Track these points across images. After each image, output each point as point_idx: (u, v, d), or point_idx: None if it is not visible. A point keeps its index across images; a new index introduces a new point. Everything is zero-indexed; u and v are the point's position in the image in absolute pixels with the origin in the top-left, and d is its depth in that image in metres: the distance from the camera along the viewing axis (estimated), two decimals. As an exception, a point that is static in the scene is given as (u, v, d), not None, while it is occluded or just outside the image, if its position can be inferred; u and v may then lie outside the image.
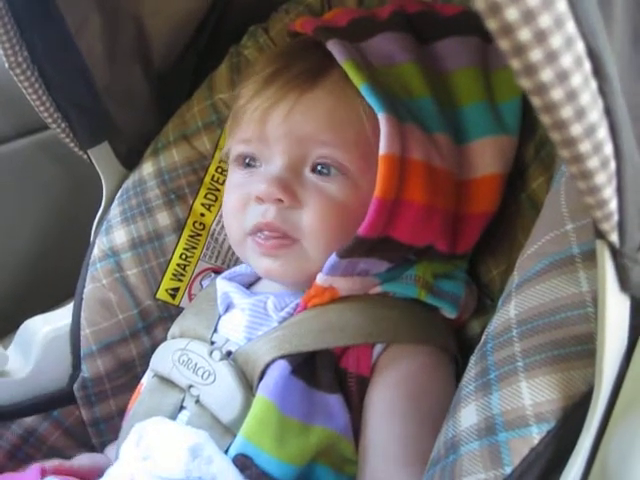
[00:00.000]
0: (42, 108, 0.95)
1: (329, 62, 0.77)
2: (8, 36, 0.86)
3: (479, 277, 0.87)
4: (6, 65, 0.90)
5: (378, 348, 0.76)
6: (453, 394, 0.68)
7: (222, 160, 1.01)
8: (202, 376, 0.77)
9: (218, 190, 1.01)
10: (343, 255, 0.74)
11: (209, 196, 1.02)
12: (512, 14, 0.32)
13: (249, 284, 0.89)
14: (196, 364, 0.78)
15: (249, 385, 0.75)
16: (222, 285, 0.87)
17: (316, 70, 0.79)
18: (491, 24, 0.33)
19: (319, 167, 0.78)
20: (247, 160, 0.83)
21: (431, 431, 0.65)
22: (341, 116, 0.78)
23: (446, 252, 0.79)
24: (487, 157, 0.78)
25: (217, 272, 0.99)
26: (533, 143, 0.81)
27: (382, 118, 0.72)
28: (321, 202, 0.77)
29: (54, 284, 0.97)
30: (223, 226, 0.99)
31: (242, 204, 0.81)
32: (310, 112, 0.78)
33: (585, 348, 0.50)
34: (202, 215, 1.01)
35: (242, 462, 0.70)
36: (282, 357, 0.74)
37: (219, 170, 1.02)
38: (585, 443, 0.47)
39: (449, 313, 0.80)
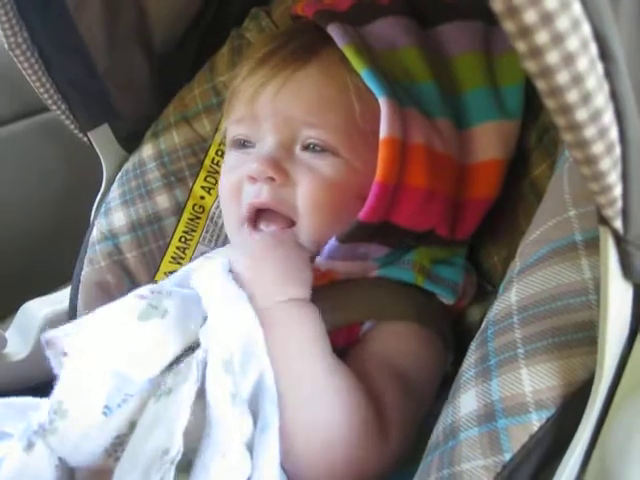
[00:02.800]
0: (42, 89, 0.94)
1: (323, 41, 0.77)
2: (8, 17, 0.86)
3: (480, 263, 0.87)
4: (6, 46, 0.89)
5: (366, 326, 0.76)
6: (437, 373, 0.69)
7: (222, 143, 1.00)
8: None
9: (218, 173, 1.01)
10: (343, 240, 0.74)
11: (209, 179, 1.01)
12: None
13: None
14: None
15: None
16: None
17: (309, 48, 0.79)
18: (497, 6, 0.32)
19: (310, 146, 0.78)
20: (241, 141, 0.83)
21: (410, 397, 0.68)
22: (330, 97, 0.77)
23: (446, 237, 0.79)
24: (488, 142, 0.78)
25: (216, 255, 0.99)
26: (536, 129, 0.81)
27: (383, 102, 0.72)
28: (312, 179, 0.77)
29: (53, 267, 0.97)
30: (222, 209, 0.99)
31: (236, 187, 0.81)
32: (299, 92, 0.78)
33: (586, 335, 0.50)
34: (202, 198, 1.01)
35: None
36: None
37: (219, 153, 1.01)
38: (585, 430, 0.47)
39: (446, 299, 0.80)
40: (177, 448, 0.58)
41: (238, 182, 0.81)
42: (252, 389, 0.63)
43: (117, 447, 0.63)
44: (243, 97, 0.81)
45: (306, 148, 0.78)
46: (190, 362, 0.64)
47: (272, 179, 0.77)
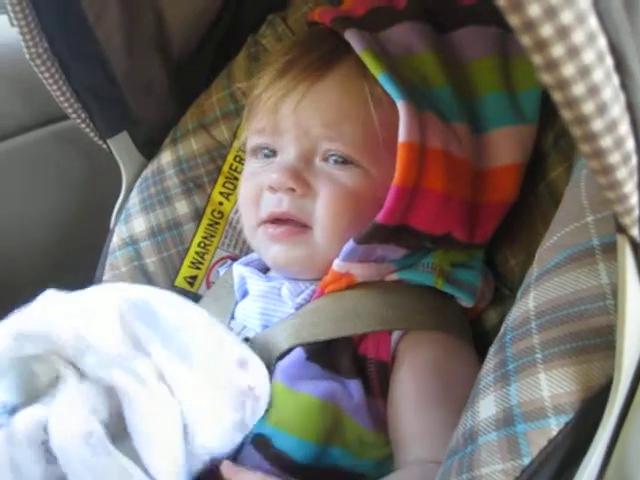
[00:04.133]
0: (62, 98, 0.96)
1: (341, 50, 0.78)
2: (29, 28, 0.87)
3: (496, 267, 0.87)
4: (27, 56, 0.91)
5: (396, 334, 0.76)
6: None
7: (240, 149, 1.01)
8: None
9: (236, 179, 1.02)
10: (360, 241, 0.75)
11: (227, 185, 1.02)
12: (534, 10, 0.32)
13: (265, 269, 0.90)
14: None
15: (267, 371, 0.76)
16: (239, 270, 0.88)
17: (328, 58, 0.80)
18: (513, 20, 0.33)
19: (331, 158, 0.79)
20: (263, 151, 0.84)
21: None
22: (348, 109, 0.78)
23: (464, 241, 0.79)
24: (505, 146, 0.78)
25: (235, 260, 0.99)
26: (552, 132, 0.81)
27: (401, 106, 0.72)
28: (333, 190, 0.78)
29: (73, 272, 0.98)
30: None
31: (256, 194, 0.82)
32: (318, 105, 0.79)
33: (604, 340, 0.50)
34: (220, 204, 1.02)
35: (261, 443, 0.71)
36: (299, 345, 0.75)
37: (237, 159, 1.03)
38: (603, 435, 0.47)
39: (466, 302, 0.80)
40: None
41: (258, 190, 0.82)
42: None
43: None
44: (264, 108, 0.82)
45: (326, 159, 0.79)
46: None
47: (293, 190, 0.78)
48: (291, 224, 0.80)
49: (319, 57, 0.80)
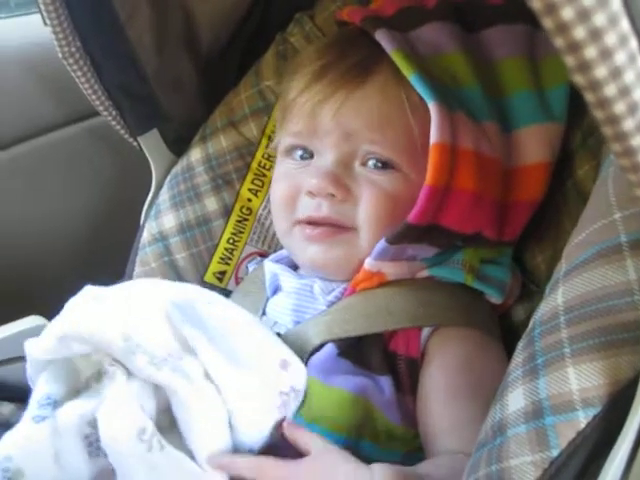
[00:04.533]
0: (94, 96, 0.97)
1: (378, 55, 0.78)
2: (62, 27, 0.89)
3: (524, 263, 0.88)
4: (59, 55, 0.92)
5: (426, 331, 0.77)
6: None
7: (269, 146, 1.02)
8: None
9: (265, 175, 1.03)
10: (392, 241, 0.76)
11: (256, 182, 1.03)
12: (567, 13, 0.33)
13: (296, 266, 0.91)
14: None
15: None
16: (270, 267, 0.89)
17: (366, 64, 0.80)
18: (547, 23, 0.34)
19: (371, 162, 0.79)
20: (298, 151, 0.84)
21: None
22: (389, 113, 0.79)
23: (493, 239, 0.80)
24: (534, 145, 0.79)
25: (263, 256, 1.01)
26: (580, 130, 0.82)
27: (432, 107, 0.73)
28: (374, 195, 0.78)
29: (104, 267, 0.99)
30: (270, 211, 1.01)
31: (292, 195, 0.83)
32: (359, 109, 0.79)
33: (632, 335, 0.50)
34: (249, 200, 1.03)
35: None
36: (330, 341, 0.76)
37: (265, 156, 1.04)
38: (631, 427, 0.48)
39: (495, 298, 0.81)
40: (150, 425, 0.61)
41: (294, 191, 0.83)
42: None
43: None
44: (302, 111, 0.82)
45: (365, 164, 0.80)
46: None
47: (332, 195, 0.79)
48: (329, 225, 0.80)
49: (356, 63, 0.80)
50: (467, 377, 0.74)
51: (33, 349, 0.67)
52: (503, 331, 0.82)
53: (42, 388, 0.67)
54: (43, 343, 0.66)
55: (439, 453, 0.71)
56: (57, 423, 0.64)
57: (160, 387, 0.63)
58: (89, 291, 0.69)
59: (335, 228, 0.80)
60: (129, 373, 0.64)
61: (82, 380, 0.68)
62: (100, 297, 0.68)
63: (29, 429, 0.64)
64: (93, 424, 0.63)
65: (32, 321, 0.93)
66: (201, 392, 0.62)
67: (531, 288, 0.85)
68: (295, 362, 0.71)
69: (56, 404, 0.65)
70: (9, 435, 0.65)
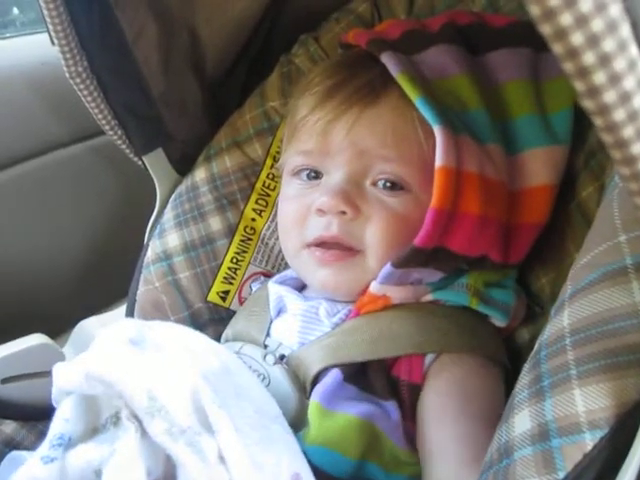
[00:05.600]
0: (100, 116, 0.98)
1: (387, 76, 0.78)
2: (69, 47, 0.89)
3: (528, 285, 0.87)
4: (67, 75, 0.93)
5: (430, 357, 0.77)
6: (501, 401, 0.70)
7: (273, 166, 1.03)
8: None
9: (269, 196, 1.03)
10: (398, 265, 0.76)
11: (260, 202, 1.04)
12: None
13: (300, 288, 0.91)
14: (250, 367, 0.80)
15: (303, 388, 0.77)
16: (275, 289, 0.89)
17: (378, 84, 0.80)
18: (545, 29, 0.34)
19: (382, 182, 0.80)
20: (308, 172, 0.84)
21: (484, 431, 0.66)
22: (402, 132, 0.79)
23: (499, 262, 0.80)
24: (538, 168, 0.79)
25: (267, 276, 1.01)
26: (583, 152, 0.82)
27: (437, 130, 0.73)
28: (385, 215, 0.79)
29: (107, 285, 1.00)
30: (273, 231, 1.02)
31: (301, 216, 0.83)
32: (373, 127, 0.79)
33: (638, 357, 0.50)
34: (253, 220, 1.03)
35: None
36: (335, 365, 0.76)
37: (270, 176, 1.04)
38: (638, 449, 0.48)
39: (499, 321, 0.81)
40: None
41: (303, 211, 0.83)
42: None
43: None
44: (313, 129, 0.82)
45: (375, 184, 0.80)
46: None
47: (343, 213, 0.79)
48: (339, 248, 0.80)
49: (367, 82, 0.81)
50: (457, 399, 0.74)
51: (59, 378, 0.66)
52: (507, 353, 0.82)
53: (58, 424, 0.66)
54: (69, 375, 0.64)
55: (431, 471, 0.71)
56: (65, 466, 0.62)
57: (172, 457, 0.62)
58: (127, 330, 0.68)
59: (345, 251, 0.80)
60: (143, 430, 0.62)
61: (101, 419, 0.66)
62: (136, 342, 0.67)
63: (36, 470, 0.63)
64: (99, 473, 0.61)
65: (35, 339, 0.93)
66: (211, 473, 0.61)
67: (536, 310, 0.85)
68: (307, 478, 0.67)
69: (70, 443, 0.64)
70: (16, 475, 0.63)
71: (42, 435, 0.66)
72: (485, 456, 0.60)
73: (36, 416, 0.94)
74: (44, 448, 0.64)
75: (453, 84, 0.79)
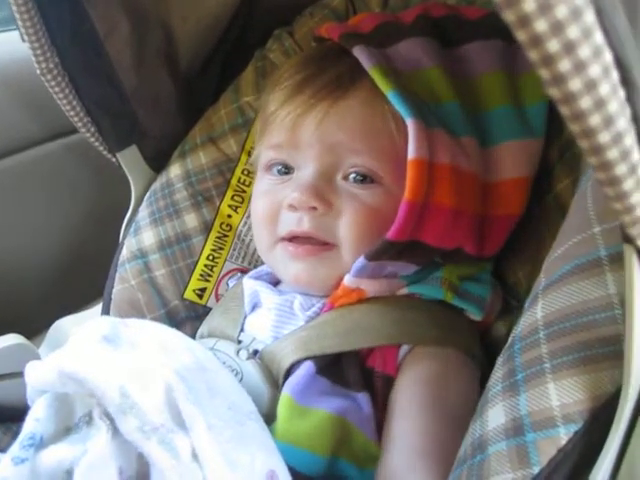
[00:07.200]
0: (72, 113, 0.97)
1: (360, 69, 0.78)
2: (40, 43, 0.88)
3: (504, 278, 0.87)
4: (37, 71, 0.91)
5: (404, 349, 0.76)
6: (474, 396, 0.69)
7: (248, 162, 1.02)
8: None
9: (244, 192, 1.03)
10: (371, 258, 0.75)
11: (236, 198, 1.03)
12: (541, 25, 0.33)
13: (275, 282, 0.90)
14: (224, 363, 0.79)
15: (275, 383, 0.76)
16: (250, 284, 0.88)
17: (348, 77, 0.80)
18: (520, 35, 0.33)
19: (353, 175, 0.79)
20: (277, 167, 0.84)
21: (451, 426, 0.67)
22: (373, 125, 0.78)
23: (474, 255, 0.80)
24: (512, 160, 0.79)
25: (244, 272, 1.00)
26: (558, 145, 0.82)
27: (410, 123, 0.73)
28: (356, 209, 0.78)
29: (83, 285, 0.99)
30: (250, 227, 1.01)
31: (273, 212, 0.82)
32: (343, 120, 0.79)
33: (612, 349, 0.50)
34: (229, 216, 1.03)
35: None
36: (307, 358, 0.76)
37: (245, 172, 1.03)
38: (613, 443, 0.48)
39: (475, 315, 0.81)
40: None
41: (275, 207, 0.82)
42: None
43: None
44: (282, 124, 0.82)
45: (346, 177, 0.79)
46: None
47: (314, 208, 0.78)
48: (312, 242, 0.80)
49: (337, 77, 0.80)
50: (427, 392, 0.74)
51: (31, 376, 0.65)
52: (484, 347, 0.82)
53: (29, 424, 0.64)
54: (41, 373, 0.63)
55: (386, 457, 0.71)
56: (36, 467, 0.61)
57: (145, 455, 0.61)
58: (101, 327, 0.67)
59: (318, 245, 0.80)
60: (115, 430, 0.61)
61: (75, 418, 0.65)
62: (110, 339, 0.65)
63: (6, 471, 0.61)
64: (71, 473, 0.60)
65: (11, 339, 0.92)
66: (184, 472, 0.60)
67: (512, 304, 0.85)
68: (283, 476, 0.66)
69: (41, 443, 0.63)
70: None
71: (17, 436, 0.65)
72: (446, 452, 0.59)
73: (11, 417, 0.93)
74: (15, 448, 0.63)
75: (426, 76, 0.79)
